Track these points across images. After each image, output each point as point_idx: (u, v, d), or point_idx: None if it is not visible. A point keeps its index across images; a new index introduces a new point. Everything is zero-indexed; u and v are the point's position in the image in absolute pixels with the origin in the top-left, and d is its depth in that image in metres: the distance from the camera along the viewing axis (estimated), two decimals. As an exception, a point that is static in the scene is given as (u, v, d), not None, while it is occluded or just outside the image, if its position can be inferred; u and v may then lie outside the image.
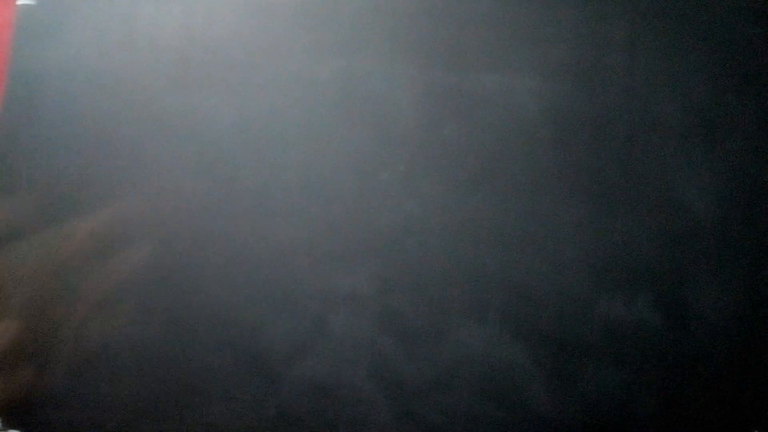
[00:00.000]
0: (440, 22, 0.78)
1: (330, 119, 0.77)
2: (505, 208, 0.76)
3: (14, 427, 0.73)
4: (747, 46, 0.78)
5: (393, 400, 0.73)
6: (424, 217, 0.76)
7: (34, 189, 0.76)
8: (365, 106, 0.77)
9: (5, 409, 0.73)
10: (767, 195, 0.76)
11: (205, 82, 0.78)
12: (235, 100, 0.77)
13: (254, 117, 0.77)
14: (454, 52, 0.78)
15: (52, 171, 0.76)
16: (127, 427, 0.73)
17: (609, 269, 0.75)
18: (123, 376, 0.73)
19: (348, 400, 0.73)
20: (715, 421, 0.73)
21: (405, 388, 0.73)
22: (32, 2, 0.78)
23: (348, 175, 0.76)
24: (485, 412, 0.73)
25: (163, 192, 0.76)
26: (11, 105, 0.77)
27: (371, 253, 0.75)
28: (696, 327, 0.74)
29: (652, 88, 0.77)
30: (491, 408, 0.73)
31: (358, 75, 0.78)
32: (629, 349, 0.74)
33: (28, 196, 0.76)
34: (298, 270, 0.75)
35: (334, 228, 0.76)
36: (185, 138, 0.77)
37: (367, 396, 0.73)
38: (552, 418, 0.73)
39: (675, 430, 0.73)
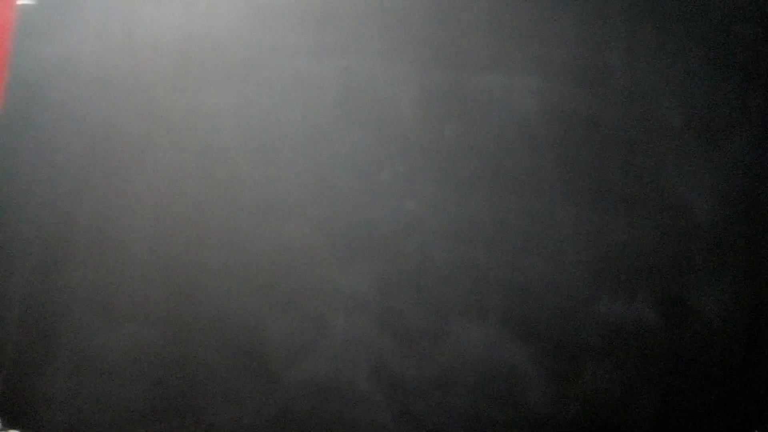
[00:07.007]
0: (440, 23, 0.78)
1: (330, 119, 0.77)
2: (505, 208, 0.76)
3: (14, 427, 0.73)
4: (747, 46, 0.78)
5: (393, 400, 0.73)
6: (424, 217, 0.76)
7: (34, 189, 0.76)
8: (365, 106, 0.77)
9: (5, 409, 0.73)
10: (767, 195, 0.76)
11: (205, 82, 0.78)
12: (235, 99, 0.77)
13: (255, 117, 0.77)
14: (454, 52, 0.78)
15: (52, 171, 0.76)
16: (127, 427, 0.73)
17: (609, 269, 0.75)
18: (123, 376, 0.73)
19: (348, 400, 0.73)
20: (715, 421, 0.73)
21: (405, 388, 0.73)
22: (32, 2, 0.79)
23: (348, 175, 0.76)
24: (485, 412, 0.73)
25: (163, 192, 0.76)
26: (11, 105, 0.77)
27: (371, 253, 0.75)
28: (696, 327, 0.74)
29: (652, 88, 0.77)
30: (491, 408, 0.73)
31: (358, 75, 0.78)
32: (629, 348, 0.74)
33: (29, 196, 0.76)
34: (298, 270, 0.75)
35: (334, 228, 0.76)
36: (185, 138, 0.77)
37: (367, 396, 0.73)
38: (552, 418, 0.73)
39: (675, 430, 0.73)
